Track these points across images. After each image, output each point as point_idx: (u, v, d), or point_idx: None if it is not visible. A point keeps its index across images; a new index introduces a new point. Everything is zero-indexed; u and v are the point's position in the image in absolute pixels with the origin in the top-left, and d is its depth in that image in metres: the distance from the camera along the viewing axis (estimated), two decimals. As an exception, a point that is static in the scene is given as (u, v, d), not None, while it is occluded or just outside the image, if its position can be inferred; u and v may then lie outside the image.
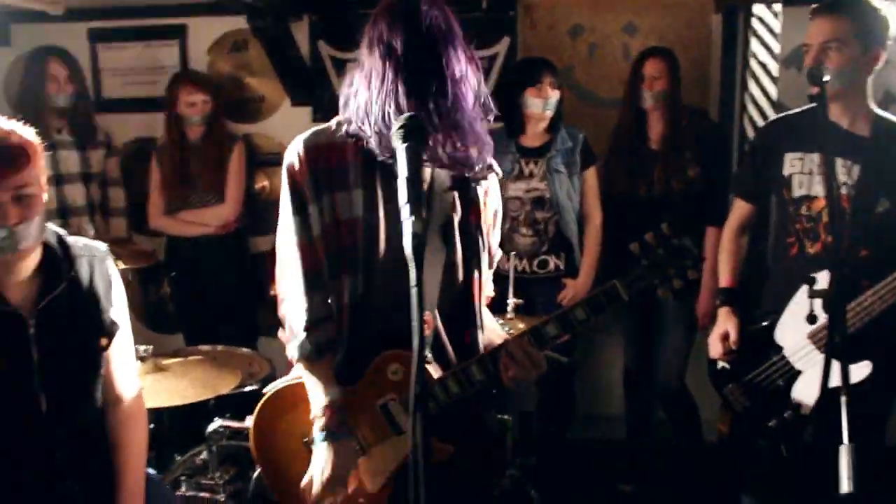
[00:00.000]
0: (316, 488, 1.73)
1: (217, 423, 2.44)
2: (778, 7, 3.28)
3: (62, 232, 2.05)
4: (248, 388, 3.03)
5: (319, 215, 1.73)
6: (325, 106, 4.02)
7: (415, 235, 1.23)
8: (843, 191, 2.35)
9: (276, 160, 4.09)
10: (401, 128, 1.37)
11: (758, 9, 3.29)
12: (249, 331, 3.99)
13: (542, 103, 3.39)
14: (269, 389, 1.94)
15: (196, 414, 2.83)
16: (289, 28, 3.81)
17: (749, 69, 3.36)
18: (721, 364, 2.52)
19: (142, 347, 2.64)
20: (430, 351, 1.77)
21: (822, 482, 1.89)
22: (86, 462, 2.00)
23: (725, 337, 2.49)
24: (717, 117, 3.83)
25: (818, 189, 2.41)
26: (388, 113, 1.62)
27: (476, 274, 1.83)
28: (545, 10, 3.99)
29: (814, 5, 2.36)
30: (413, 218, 1.25)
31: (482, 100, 1.72)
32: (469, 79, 1.68)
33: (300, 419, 1.81)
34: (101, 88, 4.18)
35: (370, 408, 1.77)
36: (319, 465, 1.73)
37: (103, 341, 2.04)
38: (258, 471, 2.34)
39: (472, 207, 1.82)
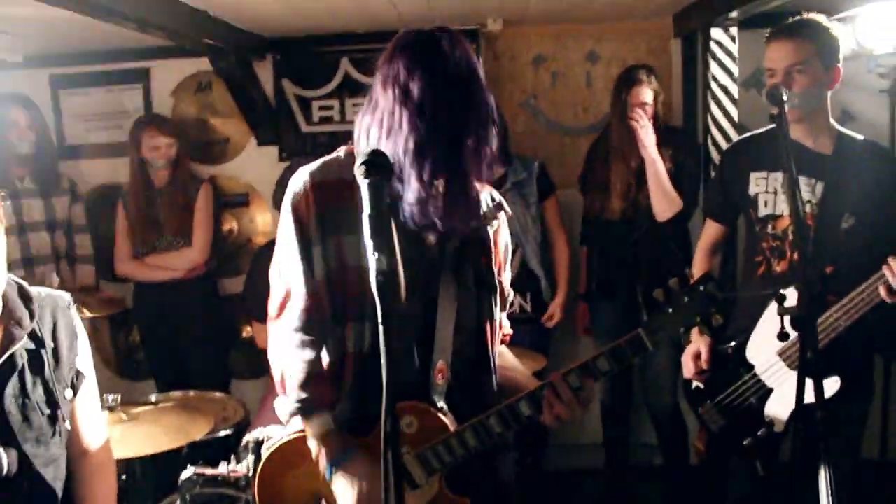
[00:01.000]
0: None
1: (190, 471, 2.37)
2: (734, 31, 3.33)
3: (23, 283, 2.00)
4: (221, 434, 2.98)
5: (323, 258, 1.65)
6: (292, 146, 4.01)
7: (380, 272, 1.22)
8: (808, 208, 2.37)
9: (242, 201, 4.08)
10: (363, 163, 1.36)
11: (715, 33, 3.34)
12: (222, 374, 3.93)
13: None
14: (271, 446, 1.84)
15: (168, 463, 2.76)
16: (252, 68, 3.81)
17: (710, 92, 3.40)
18: (695, 384, 2.52)
19: (110, 396, 2.58)
20: (444, 401, 1.70)
21: (801, 500, 1.92)
22: (52, 519, 1.94)
23: (697, 356, 2.49)
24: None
25: (783, 207, 2.44)
26: (398, 162, 1.55)
27: (490, 318, 1.77)
28: (507, 40, 4.03)
29: (769, 29, 2.41)
30: (378, 255, 1.24)
31: (495, 146, 1.66)
32: (486, 127, 1.62)
33: (307, 473, 1.72)
34: (63, 134, 4.13)
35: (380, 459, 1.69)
36: (345, 499, 1.61)
37: (68, 393, 1.99)
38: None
39: (483, 249, 1.77)
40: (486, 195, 1.79)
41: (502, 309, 1.85)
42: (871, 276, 2.19)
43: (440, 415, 1.68)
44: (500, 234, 1.83)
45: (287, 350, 1.69)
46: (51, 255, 3.71)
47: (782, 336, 1.78)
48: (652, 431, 3.73)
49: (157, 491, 2.84)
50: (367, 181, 1.34)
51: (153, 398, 3.18)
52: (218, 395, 3.33)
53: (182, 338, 3.82)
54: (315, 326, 1.68)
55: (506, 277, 1.86)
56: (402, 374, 1.67)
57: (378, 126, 1.58)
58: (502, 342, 1.92)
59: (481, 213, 1.72)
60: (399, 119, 1.55)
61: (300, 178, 1.68)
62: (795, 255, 2.39)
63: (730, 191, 2.60)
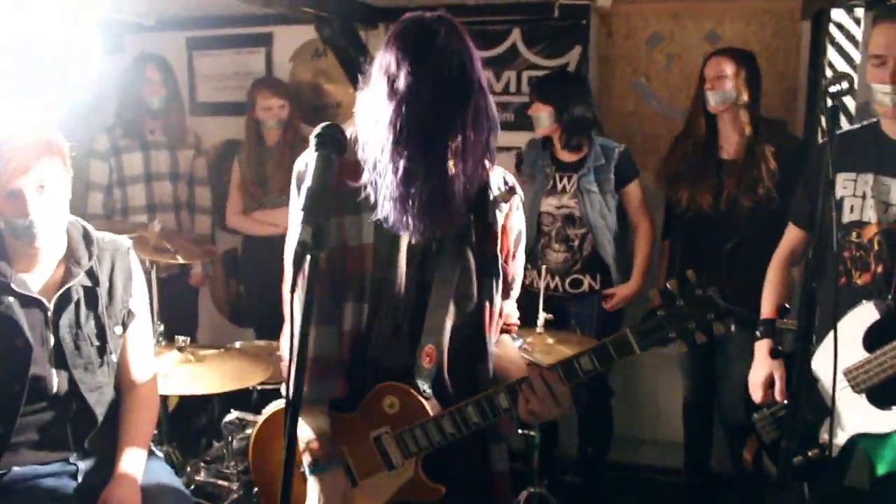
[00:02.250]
0: None
1: (233, 415, 2.54)
2: (860, 12, 3.02)
3: (88, 226, 2.22)
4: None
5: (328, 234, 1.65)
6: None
7: (300, 243, 1.24)
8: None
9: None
10: (316, 136, 1.39)
11: (836, 14, 3.04)
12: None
13: (535, 119, 3.37)
14: (269, 410, 1.92)
15: (243, 405, 2.96)
16: (359, 37, 3.91)
17: (824, 79, 3.11)
18: None
19: (181, 338, 2.80)
20: (429, 386, 1.70)
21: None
22: (95, 439, 2.15)
23: (770, 384, 2.32)
24: (803, 130, 3.59)
25: (870, 214, 2.20)
26: (377, 160, 1.54)
27: (488, 304, 1.73)
28: (622, 18, 3.88)
29: (878, 11, 2.16)
30: (303, 225, 1.26)
31: (491, 147, 1.61)
32: (476, 128, 1.56)
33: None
34: (195, 93, 4.45)
35: (364, 439, 1.71)
36: (312, 501, 1.67)
37: (118, 329, 2.19)
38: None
39: (488, 234, 1.72)
40: (498, 178, 1.75)
41: (505, 297, 1.81)
42: None
43: (422, 398, 1.69)
44: (512, 219, 1.78)
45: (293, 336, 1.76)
46: (172, 204, 4.02)
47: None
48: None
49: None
50: (316, 153, 1.36)
51: (237, 345, 3.41)
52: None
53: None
54: (321, 311, 1.69)
55: (515, 265, 1.82)
56: (389, 355, 1.70)
57: (367, 116, 1.57)
58: (506, 331, 1.89)
59: (464, 213, 1.66)
60: (382, 111, 1.52)
61: (303, 159, 1.70)
62: (879, 269, 2.18)
63: (814, 195, 2.35)
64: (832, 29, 3.03)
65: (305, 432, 1.67)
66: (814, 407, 2.22)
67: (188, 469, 2.76)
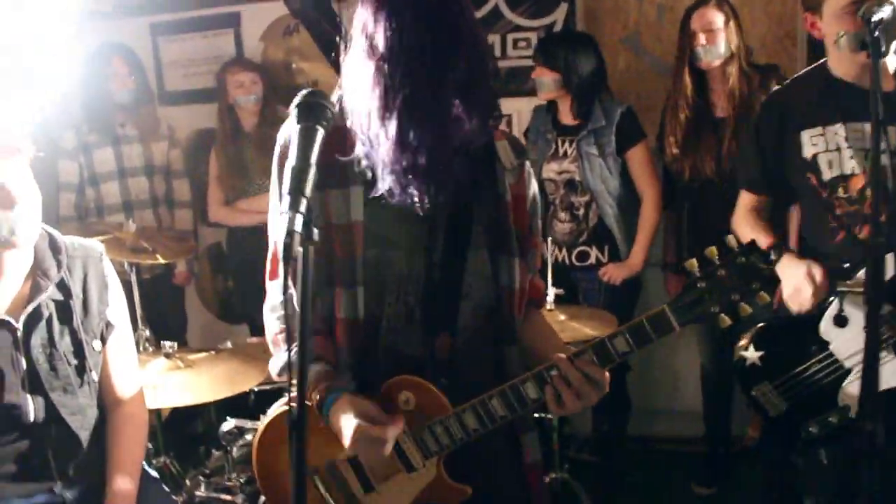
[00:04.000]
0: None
1: (231, 424, 2.38)
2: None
3: (54, 233, 2.02)
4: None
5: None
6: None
7: (289, 233, 1.07)
8: (884, 160, 1.98)
9: (329, 147, 4.02)
10: (296, 105, 1.21)
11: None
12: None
13: (538, 84, 3.20)
14: (271, 413, 1.76)
15: (239, 408, 2.80)
16: (331, 8, 3.69)
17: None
18: (749, 360, 2.19)
19: (167, 343, 2.63)
20: (445, 377, 1.54)
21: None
22: (81, 466, 1.98)
23: (812, 278, 2.06)
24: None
25: (853, 165, 2.06)
26: (366, 128, 1.40)
27: (507, 281, 1.57)
28: (608, -30, 3.68)
29: None
30: (290, 213, 1.09)
31: (492, 97, 1.47)
32: (476, 72, 1.42)
33: (309, 446, 1.65)
34: (163, 81, 4.22)
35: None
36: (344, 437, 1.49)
37: (97, 344, 2.01)
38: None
39: (500, 206, 1.56)
40: (505, 144, 1.59)
41: (529, 271, 1.64)
42: None
43: (440, 392, 1.52)
44: (524, 185, 1.61)
45: (276, 309, 1.60)
46: (149, 200, 3.82)
47: (839, 319, 1.47)
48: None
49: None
50: (298, 126, 1.18)
51: (229, 345, 3.23)
52: (295, 343, 3.33)
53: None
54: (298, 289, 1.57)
55: (532, 235, 1.65)
56: (402, 346, 1.54)
57: (350, 80, 1.43)
58: (536, 305, 1.73)
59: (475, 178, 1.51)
60: (364, 74, 1.39)
61: (285, 129, 1.54)
62: (882, 218, 2.02)
63: (770, 157, 2.22)
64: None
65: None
66: (830, 372, 2.07)
67: (188, 483, 2.60)
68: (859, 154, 2.05)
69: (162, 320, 3.61)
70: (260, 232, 3.71)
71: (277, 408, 1.75)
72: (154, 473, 2.18)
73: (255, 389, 2.74)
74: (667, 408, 3.86)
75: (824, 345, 2.07)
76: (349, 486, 1.61)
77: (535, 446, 1.67)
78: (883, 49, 1.70)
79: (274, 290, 1.64)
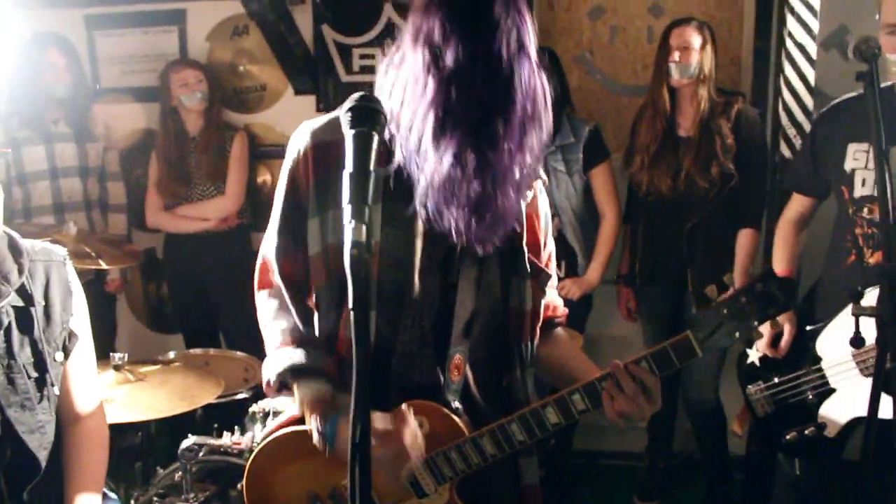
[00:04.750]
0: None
1: (191, 440, 2.25)
2: (821, -18, 2.97)
3: (14, 235, 1.87)
4: (239, 396, 2.86)
5: (321, 233, 1.44)
6: (331, 96, 3.80)
7: (355, 244, 1.01)
8: None
9: (278, 152, 3.90)
10: (350, 109, 1.14)
11: (796, -16, 2.98)
12: (253, 332, 3.78)
13: None
14: (265, 437, 1.65)
15: (183, 423, 2.66)
16: (289, 12, 3.60)
17: (785, 51, 3.05)
18: (752, 359, 2.25)
19: (117, 355, 2.47)
20: (459, 401, 1.50)
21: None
22: (38, 489, 1.82)
23: (777, 337, 2.21)
24: (750, 102, 3.54)
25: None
26: (419, 139, 1.32)
27: (519, 306, 1.53)
28: (563, -11, 3.73)
29: None
30: (355, 223, 1.03)
31: (543, 143, 1.40)
32: (535, 116, 1.35)
33: (306, 472, 1.54)
34: (99, 77, 4.00)
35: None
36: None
37: (59, 356, 1.86)
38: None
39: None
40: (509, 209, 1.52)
41: (541, 293, 1.59)
42: None
43: (455, 416, 1.47)
44: (537, 205, 1.58)
45: (271, 325, 1.54)
46: (82, 203, 3.61)
47: (856, 341, 1.51)
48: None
49: (171, 453, 2.74)
50: (352, 132, 1.11)
51: (171, 355, 3.09)
52: (240, 354, 3.22)
53: (212, 292, 3.71)
54: (292, 305, 1.51)
55: (546, 254, 1.61)
56: (415, 370, 1.48)
57: (401, 89, 1.34)
58: (556, 324, 1.69)
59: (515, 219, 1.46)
60: (423, 87, 1.30)
61: (301, 137, 1.46)
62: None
63: (822, 162, 2.27)
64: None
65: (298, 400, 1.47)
66: (815, 387, 2.15)
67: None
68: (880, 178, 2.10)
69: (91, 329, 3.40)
70: (201, 240, 3.61)
71: (267, 436, 1.67)
72: (113, 496, 2.04)
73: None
74: (612, 423, 3.90)
75: (818, 360, 2.14)
76: None
77: (533, 469, 1.64)
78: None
79: (266, 301, 1.57)
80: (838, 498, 2.35)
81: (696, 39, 2.97)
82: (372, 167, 1.09)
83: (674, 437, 3.60)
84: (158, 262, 3.92)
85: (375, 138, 1.13)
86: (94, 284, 3.61)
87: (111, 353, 2.48)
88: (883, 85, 2.15)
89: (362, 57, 3.79)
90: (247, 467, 1.62)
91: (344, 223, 1.03)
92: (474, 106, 1.30)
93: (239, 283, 3.70)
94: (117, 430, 3.21)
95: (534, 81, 1.35)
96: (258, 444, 1.62)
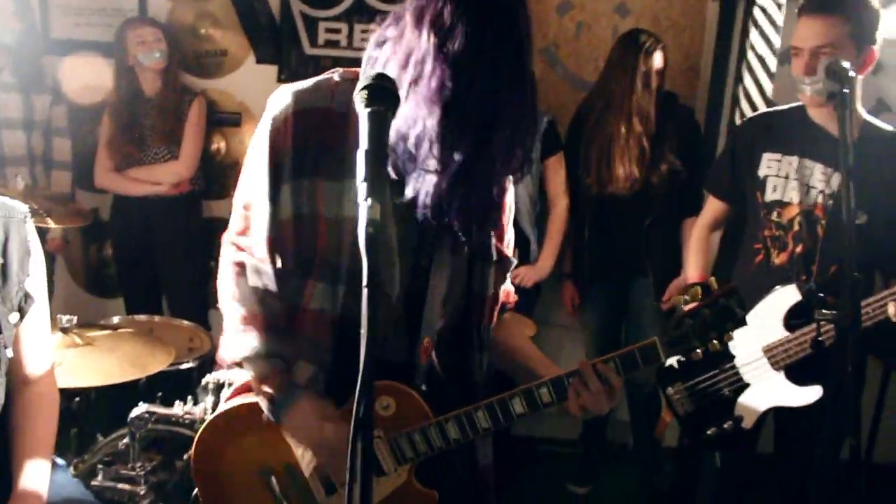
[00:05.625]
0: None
1: (142, 408, 2.21)
2: (782, -2, 3.07)
3: (-29, 188, 1.80)
4: (184, 366, 2.82)
5: (293, 200, 1.41)
6: (293, 67, 3.75)
7: (371, 222, 1.01)
8: (820, 200, 2.23)
9: (234, 120, 3.85)
10: (366, 87, 1.13)
11: (761, -1, 3.08)
12: (199, 301, 3.75)
13: None
14: (222, 407, 1.65)
15: (125, 391, 2.60)
16: (256, -23, 3.53)
17: (746, 61, 3.15)
18: (669, 362, 2.36)
19: (65, 317, 2.41)
20: (425, 384, 1.52)
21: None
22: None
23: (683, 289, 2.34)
24: (706, 109, 3.65)
25: (793, 195, 2.28)
26: (422, 129, 1.28)
27: (482, 292, 1.56)
28: (533, -18, 3.75)
29: (802, 1, 2.19)
30: (370, 201, 1.03)
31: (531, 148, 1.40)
32: (532, 111, 1.36)
33: (259, 446, 1.54)
34: (49, 27, 3.83)
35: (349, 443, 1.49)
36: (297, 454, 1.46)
37: (13, 317, 1.80)
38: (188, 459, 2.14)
39: None
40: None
41: (501, 279, 1.63)
42: (874, 285, 2.08)
43: (421, 399, 1.50)
44: (506, 195, 1.58)
45: (240, 291, 1.49)
46: (26, 157, 3.49)
47: (816, 344, 1.60)
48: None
49: (111, 420, 2.69)
50: (368, 110, 1.11)
51: (115, 320, 3.02)
52: (186, 323, 3.17)
53: (158, 258, 3.64)
54: (274, 274, 1.47)
55: (507, 242, 1.64)
56: (385, 350, 1.49)
57: (400, 67, 1.29)
58: (508, 308, 1.72)
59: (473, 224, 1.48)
60: (429, 73, 1.26)
61: (282, 99, 1.42)
62: (798, 249, 2.26)
63: (738, 169, 2.42)
64: (755, 12, 3.06)
65: (253, 387, 1.48)
66: (731, 383, 2.28)
67: (74, 470, 2.38)
68: (802, 188, 2.25)
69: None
70: (151, 204, 3.52)
71: (227, 404, 1.66)
72: (61, 461, 1.99)
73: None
74: (573, 414, 3.99)
75: (731, 357, 2.26)
76: (309, 489, 1.55)
77: (487, 450, 1.68)
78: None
79: (236, 268, 1.51)
80: (753, 487, 2.54)
81: (661, 61, 3.09)
82: (385, 148, 1.10)
83: (608, 426, 3.70)
84: (101, 223, 3.81)
85: (390, 117, 1.13)
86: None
87: (58, 316, 2.40)
88: (795, 104, 2.30)
89: (328, 31, 3.74)
90: (196, 437, 1.61)
91: (358, 201, 1.02)
92: (479, 100, 1.27)
93: (187, 250, 3.67)
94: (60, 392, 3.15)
95: (532, 78, 1.35)
96: (211, 415, 1.62)
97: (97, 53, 3.76)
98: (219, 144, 3.88)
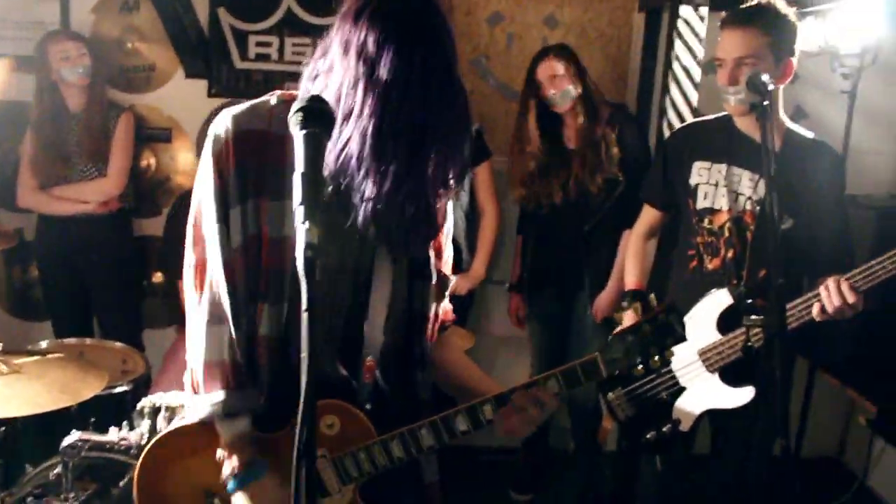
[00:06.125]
0: None
1: (75, 436, 2.14)
2: (704, 10, 3.18)
3: None
4: (118, 390, 2.74)
5: (241, 224, 1.40)
6: (223, 82, 3.69)
7: (309, 246, 1.01)
8: (748, 206, 2.30)
9: (164, 135, 3.77)
10: (300, 109, 1.13)
11: (684, 10, 3.18)
12: (131, 322, 3.65)
13: None
14: (166, 428, 1.64)
15: (55, 419, 2.51)
16: (185, -9, 3.47)
17: (672, 72, 3.25)
18: None
19: (-10, 345, 2.31)
20: (369, 402, 1.52)
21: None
22: None
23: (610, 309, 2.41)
24: (635, 115, 3.74)
25: (722, 202, 2.35)
26: (358, 153, 1.29)
27: (422, 309, 1.57)
28: (464, -7, 3.79)
29: (724, 14, 2.28)
30: (308, 224, 1.03)
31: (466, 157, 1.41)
32: (464, 127, 1.38)
33: (204, 466, 1.50)
34: (-36, 41, 3.69)
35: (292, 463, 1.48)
36: None
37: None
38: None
39: None
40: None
41: (440, 297, 1.64)
42: (802, 286, 2.15)
43: (365, 418, 1.49)
44: (445, 209, 1.59)
45: (204, 336, 1.45)
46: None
47: (746, 349, 1.66)
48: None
49: (42, 450, 2.59)
50: (303, 133, 1.11)
51: (44, 344, 2.92)
52: (118, 345, 3.08)
53: (88, 279, 3.52)
54: (231, 304, 1.43)
55: (445, 260, 1.65)
56: (326, 369, 1.49)
57: (334, 100, 1.30)
58: (447, 326, 1.72)
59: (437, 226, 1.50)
60: (361, 101, 1.28)
61: (222, 123, 1.41)
62: (730, 254, 2.33)
63: (670, 177, 2.50)
64: (679, 24, 3.15)
65: (222, 438, 1.46)
66: (668, 387, 2.35)
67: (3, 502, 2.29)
68: (731, 195, 2.32)
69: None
70: (78, 223, 3.42)
71: (172, 425, 1.63)
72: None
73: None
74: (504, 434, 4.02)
75: (668, 362, 2.30)
76: None
77: (433, 468, 1.70)
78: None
79: (199, 311, 1.46)
80: (692, 488, 2.61)
81: (560, 66, 3.12)
82: (321, 171, 1.10)
83: (549, 433, 3.74)
84: (26, 244, 3.67)
85: (325, 138, 1.13)
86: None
87: (-20, 342, 2.31)
88: (722, 114, 2.38)
89: (258, 44, 3.70)
90: (139, 461, 1.57)
91: (295, 224, 1.02)
92: (411, 121, 1.29)
93: (117, 270, 3.57)
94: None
95: (462, 91, 1.37)
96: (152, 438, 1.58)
97: (17, 68, 3.63)
98: (149, 161, 3.79)
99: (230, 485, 1.45)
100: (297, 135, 1.11)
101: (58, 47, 3.32)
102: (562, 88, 3.11)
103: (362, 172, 1.31)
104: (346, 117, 1.29)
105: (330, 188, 1.33)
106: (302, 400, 0.94)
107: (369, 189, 1.31)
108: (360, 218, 1.35)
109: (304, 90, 1.38)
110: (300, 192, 1.05)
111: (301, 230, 1.01)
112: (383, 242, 1.42)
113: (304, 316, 0.96)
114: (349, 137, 1.29)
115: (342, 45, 1.31)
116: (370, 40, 1.27)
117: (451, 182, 1.40)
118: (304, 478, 0.91)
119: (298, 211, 1.03)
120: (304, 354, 0.96)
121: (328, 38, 1.36)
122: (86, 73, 3.34)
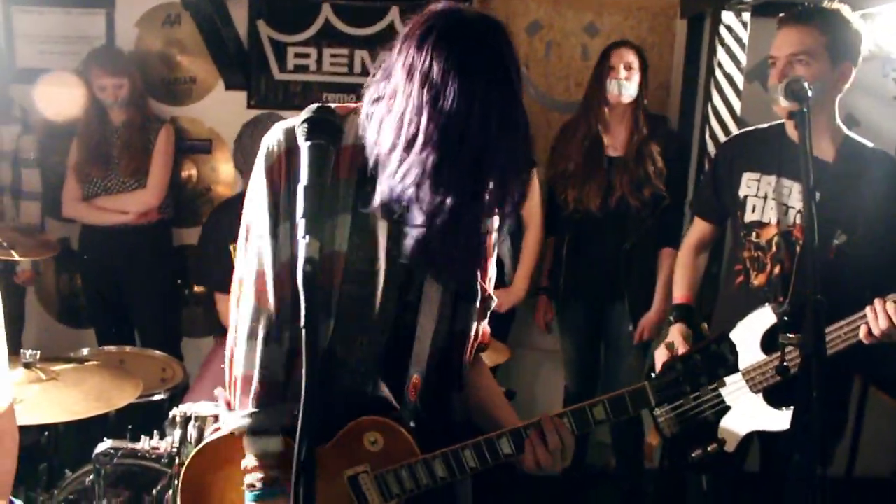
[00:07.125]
0: None
1: (107, 444, 2.16)
2: (747, 16, 3.10)
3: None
4: (157, 398, 2.77)
5: (291, 238, 1.38)
6: (262, 93, 3.73)
7: (309, 260, 0.99)
8: (797, 219, 2.19)
9: (204, 147, 3.82)
10: (306, 121, 1.12)
11: (726, 16, 3.10)
12: (170, 331, 3.70)
13: None
14: (205, 440, 1.62)
15: (95, 424, 2.55)
16: (224, 4, 3.51)
17: (714, 80, 3.17)
18: None
19: (28, 352, 2.35)
20: (413, 421, 1.51)
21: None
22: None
23: (670, 346, 2.33)
24: (677, 126, 3.66)
25: (771, 215, 2.25)
26: (416, 181, 1.27)
27: (464, 329, 1.55)
28: (502, 3, 3.76)
29: (781, 14, 2.18)
30: (309, 238, 1.01)
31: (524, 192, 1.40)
32: (522, 159, 1.36)
33: (240, 472, 1.51)
34: (14, 56, 3.79)
35: (335, 477, 1.48)
36: None
37: (-34, 353, 1.75)
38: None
39: None
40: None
41: (482, 318, 1.62)
42: (854, 305, 2.04)
43: (409, 436, 1.48)
44: (491, 230, 1.57)
45: (244, 350, 1.45)
46: (-7, 188, 3.45)
47: (782, 370, 1.59)
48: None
49: (81, 454, 2.62)
50: (308, 143, 1.09)
51: (85, 352, 2.97)
52: (158, 353, 3.12)
53: (128, 288, 3.58)
54: (276, 319, 1.43)
55: (490, 278, 1.63)
56: (368, 385, 1.48)
57: (396, 125, 1.28)
58: (483, 348, 1.70)
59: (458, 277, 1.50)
60: (424, 131, 1.25)
61: (275, 137, 1.39)
62: (776, 270, 2.23)
63: (721, 189, 2.41)
64: (721, 30, 3.08)
65: (249, 451, 1.46)
66: (713, 406, 2.25)
67: (39, 508, 2.33)
68: (780, 207, 2.22)
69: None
70: (118, 233, 3.48)
71: (205, 440, 1.63)
72: (18, 502, 1.93)
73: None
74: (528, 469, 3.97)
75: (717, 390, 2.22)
76: None
77: (468, 492, 1.68)
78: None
79: (243, 320, 1.46)
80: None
81: (635, 60, 3.06)
82: (326, 181, 1.08)
83: (588, 450, 3.67)
84: (72, 252, 3.76)
85: (332, 150, 1.11)
86: (1, 275, 3.45)
87: (22, 350, 2.35)
88: (776, 122, 2.28)
89: (297, 56, 3.73)
90: (183, 469, 1.58)
91: (297, 238, 1.01)
92: (472, 155, 1.26)
93: (157, 281, 3.62)
94: (20, 429, 3.08)
95: (525, 122, 1.33)
96: (194, 447, 1.59)
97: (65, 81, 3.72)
98: (190, 172, 3.85)
99: (247, 497, 1.45)
100: (303, 145, 1.09)
101: (97, 82, 3.37)
102: (631, 79, 3.07)
103: (418, 205, 1.29)
104: (408, 146, 1.27)
105: (380, 214, 1.34)
106: (301, 415, 0.92)
107: (421, 220, 1.30)
108: (410, 248, 1.34)
109: (367, 113, 1.35)
110: (302, 204, 1.03)
111: (301, 244, 1.00)
112: (431, 270, 1.42)
113: (303, 333, 0.94)
114: (409, 168, 1.27)
115: (405, 69, 1.28)
116: (435, 68, 1.24)
117: (508, 212, 1.39)
118: (304, 492, 0.86)
119: (300, 224, 1.01)
120: (304, 370, 0.94)
121: (390, 59, 1.34)
122: (122, 104, 3.39)
